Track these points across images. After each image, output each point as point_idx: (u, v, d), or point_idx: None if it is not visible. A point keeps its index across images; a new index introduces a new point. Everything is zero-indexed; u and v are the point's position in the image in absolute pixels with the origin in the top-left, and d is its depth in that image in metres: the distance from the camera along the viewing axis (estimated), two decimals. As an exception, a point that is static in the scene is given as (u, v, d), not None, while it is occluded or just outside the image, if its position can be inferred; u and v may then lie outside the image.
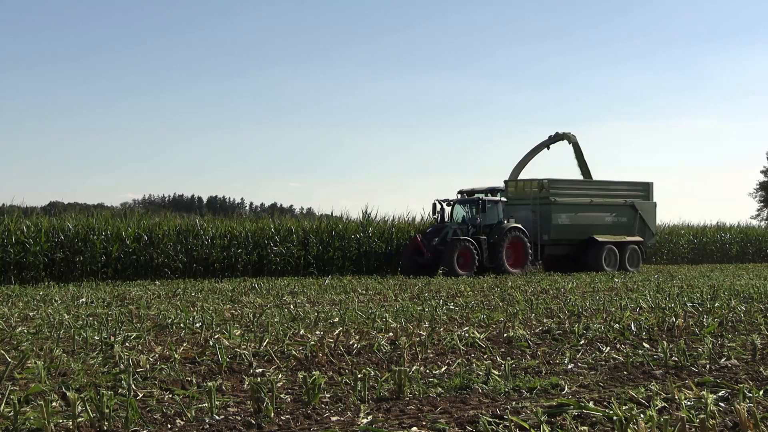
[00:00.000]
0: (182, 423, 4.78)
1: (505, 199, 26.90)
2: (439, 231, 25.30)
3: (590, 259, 27.16)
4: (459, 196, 27.34)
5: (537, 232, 26.61)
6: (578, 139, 31.36)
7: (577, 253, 27.48)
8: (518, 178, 29.50)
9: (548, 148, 31.40)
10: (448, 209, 26.60)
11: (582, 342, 7.87)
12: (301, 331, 8.71)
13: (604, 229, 27.86)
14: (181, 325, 9.54)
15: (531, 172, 32.67)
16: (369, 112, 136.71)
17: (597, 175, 31.38)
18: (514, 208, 27.14)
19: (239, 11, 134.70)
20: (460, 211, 26.53)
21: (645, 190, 29.49)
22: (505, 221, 26.08)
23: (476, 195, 26.85)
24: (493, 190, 27.27)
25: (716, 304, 11.30)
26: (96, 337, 8.20)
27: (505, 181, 28.47)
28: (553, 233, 26.96)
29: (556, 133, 31.37)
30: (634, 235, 28.53)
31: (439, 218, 26.46)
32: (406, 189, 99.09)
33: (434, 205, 26.41)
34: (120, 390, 5.59)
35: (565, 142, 31.61)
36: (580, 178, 31.24)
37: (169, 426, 4.72)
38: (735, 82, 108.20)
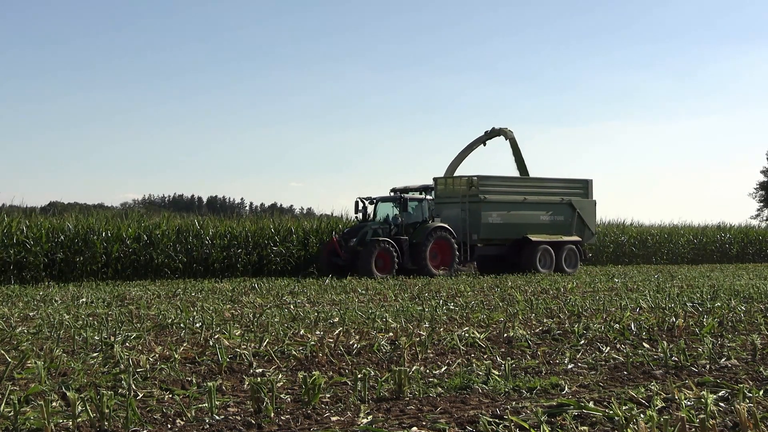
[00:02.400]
0: (182, 423, 4.78)
1: (431, 197, 25.62)
2: (357, 231, 24.04)
3: (524, 260, 25.73)
4: (391, 195, 25.89)
5: (466, 232, 25.28)
6: (515, 135, 29.66)
7: (511, 254, 26.11)
8: (450, 176, 27.87)
9: (485, 144, 29.81)
10: (371, 208, 25.32)
11: (582, 342, 7.87)
12: (301, 331, 8.72)
13: (539, 228, 26.42)
14: (181, 325, 9.55)
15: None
16: (370, 112, 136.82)
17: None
18: (445, 206, 25.86)
19: (238, 12, 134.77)
20: (384, 210, 25.31)
21: (584, 187, 28.01)
22: (431, 220, 24.81)
23: (401, 193, 25.57)
24: (426, 188, 26.10)
25: (716, 304, 11.30)
26: (96, 337, 8.21)
27: (435, 179, 26.91)
28: (483, 233, 25.50)
29: (493, 128, 29.71)
30: (572, 234, 27.04)
31: (361, 217, 25.19)
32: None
33: (356, 203, 25.09)
34: (120, 390, 5.59)
35: (501, 138, 29.85)
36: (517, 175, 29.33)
37: (169, 426, 4.73)
38: (735, 82, 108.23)
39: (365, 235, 23.76)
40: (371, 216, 25.19)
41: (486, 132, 29.89)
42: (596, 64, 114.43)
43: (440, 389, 5.65)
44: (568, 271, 25.97)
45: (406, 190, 26.20)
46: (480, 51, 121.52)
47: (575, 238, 27.06)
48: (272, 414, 4.89)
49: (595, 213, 28.24)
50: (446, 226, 24.63)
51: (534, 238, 25.96)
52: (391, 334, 8.43)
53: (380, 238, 23.59)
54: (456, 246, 24.61)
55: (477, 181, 25.73)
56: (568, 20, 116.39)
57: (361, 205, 25.11)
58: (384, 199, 25.31)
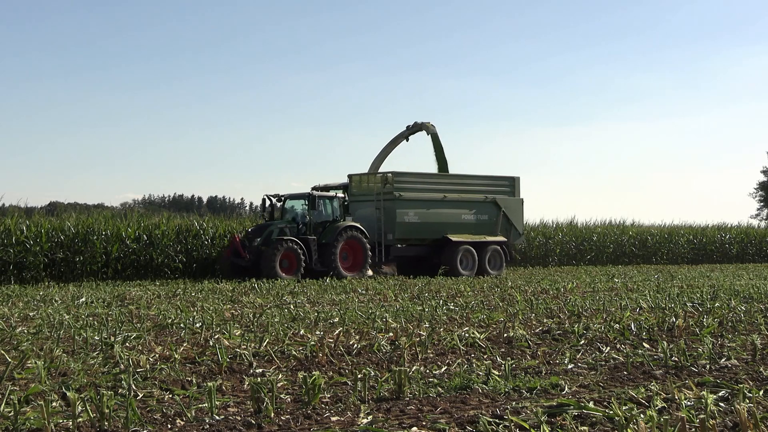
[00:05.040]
0: (182, 423, 4.78)
1: (343, 195, 24.45)
2: (262, 230, 22.78)
3: (444, 261, 24.55)
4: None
5: (381, 232, 24.00)
6: (437, 130, 28.56)
7: (431, 255, 24.84)
8: (363, 172, 26.52)
9: (407, 140, 28.68)
10: (279, 206, 24.06)
11: (582, 342, 7.88)
12: (301, 331, 8.72)
13: (461, 228, 25.05)
14: (181, 325, 9.55)
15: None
16: (370, 111, 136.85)
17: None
18: (359, 205, 24.67)
19: (237, 13, 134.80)
20: (293, 209, 23.95)
21: (510, 185, 26.60)
22: (342, 219, 23.59)
23: (320, 191, 24.53)
24: (347, 186, 25.19)
25: (716, 304, 11.30)
26: (96, 337, 8.21)
27: (349, 176, 25.64)
28: (399, 232, 24.11)
29: (415, 123, 28.56)
30: (497, 234, 25.72)
31: (268, 215, 23.97)
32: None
33: (263, 201, 23.97)
34: (120, 390, 5.59)
35: (423, 132, 28.73)
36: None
37: (169, 426, 4.73)
38: (734, 81, 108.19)
39: (270, 235, 22.54)
40: (280, 215, 24.02)
41: (408, 126, 28.80)
42: (593, 63, 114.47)
43: (440, 389, 5.65)
44: (492, 273, 24.78)
45: (327, 188, 25.24)
46: (493, 52, 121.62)
47: (500, 238, 25.78)
48: (272, 414, 4.89)
49: (522, 212, 26.93)
50: (358, 225, 23.44)
51: (454, 238, 24.65)
52: (391, 334, 8.43)
53: (286, 238, 22.37)
54: (369, 246, 23.46)
55: (392, 177, 24.49)
56: (565, 18, 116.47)
57: (268, 203, 23.97)
58: (292, 197, 23.99)
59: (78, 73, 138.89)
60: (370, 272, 23.88)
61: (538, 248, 34.06)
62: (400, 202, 24.16)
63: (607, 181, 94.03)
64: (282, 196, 23.94)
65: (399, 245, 24.43)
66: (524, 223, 27.95)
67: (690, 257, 38.72)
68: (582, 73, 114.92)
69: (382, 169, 27.41)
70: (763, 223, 61.28)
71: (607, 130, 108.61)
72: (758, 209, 70.26)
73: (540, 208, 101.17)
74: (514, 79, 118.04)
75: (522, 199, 26.87)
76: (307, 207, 23.33)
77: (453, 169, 28.53)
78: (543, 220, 36.90)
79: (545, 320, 9.79)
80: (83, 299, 14.32)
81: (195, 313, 11.11)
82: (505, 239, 25.92)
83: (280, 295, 15.09)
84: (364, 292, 16.08)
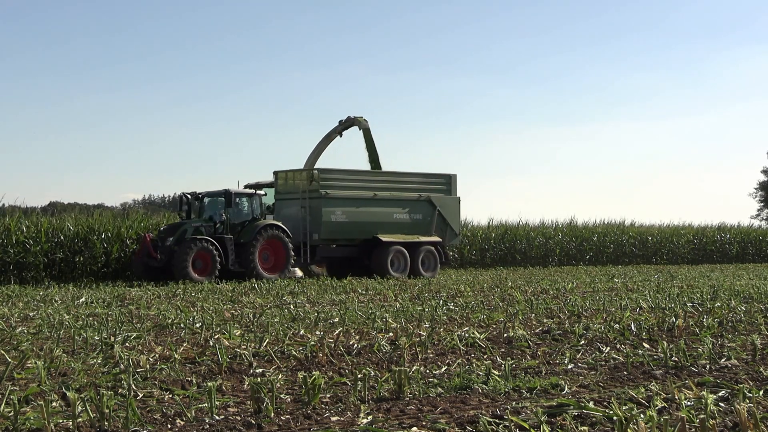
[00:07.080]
0: (182, 423, 4.78)
1: (264, 193, 23.42)
2: (176, 229, 21.61)
3: (374, 263, 23.26)
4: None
5: (307, 231, 22.96)
6: (369, 125, 27.41)
7: (361, 255, 23.67)
8: (289, 169, 25.17)
9: (341, 135, 27.51)
10: (196, 204, 22.86)
11: (582, 342, 7.88)
12: (301, 331, 8.73)
13: (393, 227, 23.94)
14: (181, 325, 9.56)
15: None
16: (372, 110, 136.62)
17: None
18: (285, 203, 23.71)
19: (236, 14, 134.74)
20: (211, 207, 22.73)
21: (446, 183, 25.42)
22: (262, 218, 22.58)
23: (253, 189, 23.72)
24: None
25: (716, 304, 11.31)
26: (96, 337, 8.22)
27: (275, 173, 24.46)
28: (325, 232, 23.01)
29: (348, 117, 27.42)
30: (431, 234, 24.57)
31: (185, 214, 22.71)
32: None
33: (180, 199, 22.88)
34: (120, 390, 5.60)
35: (356, 128, 27.52)
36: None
37: (169, 426, 4.73)
38: (735, 82, 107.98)
39: (184, 234, 21.35)
40: (197, 213, 22.75)
41: (340, 121, 27.70)
42: (593, 63, 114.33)
43: (440, 389, 5.65)
44: (425, 275, 23.68)
45: (258, 186, 24.61)
46: (494, 51, 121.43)
47: (435, 238, 24.65)
48: (272, 414, 4.90)
49: (459, 211, 25.81)
50: (279, 224, 22.39)
51: (385, 238, 23.50)
52: (391, 334, 8.43)
53: (200, 237, 21.25)
54: (291, 246, 22.36)
55: (318, 174, 23.42)
56: (565, 18, 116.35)
57: (185, 201, 22.81)
58: (210, 194, 22.82)
59: (77, 73, 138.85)
60: (299, 273, 23.30)
61: (538, 248, 34.05)
62: (326, 201, 23.09)
63: (607, 181, 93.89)
64: (199, 193, 22.91)
65: (329, 245, 23.52)
66: (461, 222, 27.02)
67: (690, 257, 38.73)
68: (582, 73, 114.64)
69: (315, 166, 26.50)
70: (763, 223, 61.38)
71: (606, 130, 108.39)
72: (758, 209, 70.29)
73: (540, 208, 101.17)
74: (514, 79, 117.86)
75: (459, 198, 25.74)
76: (223, 205, 22.34)
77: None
78: (543, 220, 36.95)
79: (545, 320, 9.79)
80: (83, 299, 14.33)
81: (195, 313, 11.11)
82: (440, 239, 24.87)
83: (280, 295, 15.10)
84: (364, 292, 16.08)
